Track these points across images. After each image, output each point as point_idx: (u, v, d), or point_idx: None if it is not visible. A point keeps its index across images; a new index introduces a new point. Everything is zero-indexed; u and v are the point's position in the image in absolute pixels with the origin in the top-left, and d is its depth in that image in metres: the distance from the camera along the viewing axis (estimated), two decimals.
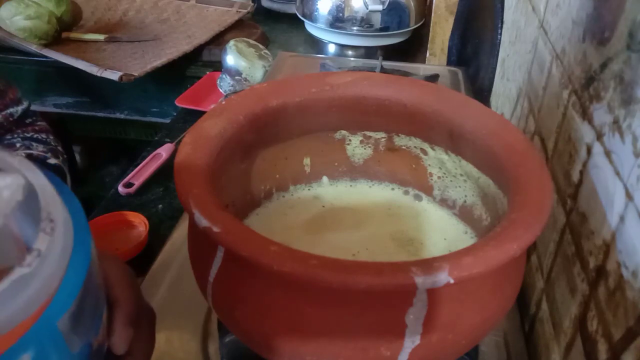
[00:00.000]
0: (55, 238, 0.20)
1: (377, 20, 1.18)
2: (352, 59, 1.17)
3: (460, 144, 0.45)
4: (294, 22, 1.31)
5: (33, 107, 0.65)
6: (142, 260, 0.64)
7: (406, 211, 0.50)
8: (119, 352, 0.30)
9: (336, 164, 0.52)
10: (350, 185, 0.52)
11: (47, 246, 0.20)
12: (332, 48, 1.24)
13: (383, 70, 0.88)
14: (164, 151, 0.87)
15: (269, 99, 0.45)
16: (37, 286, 0.19)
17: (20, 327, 0.19)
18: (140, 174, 0.82)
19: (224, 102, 0.43)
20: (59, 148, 0.62)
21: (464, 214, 0.48)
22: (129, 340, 0.30)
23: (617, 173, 0.35)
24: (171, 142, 0.90)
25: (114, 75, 0.97)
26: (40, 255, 0.19)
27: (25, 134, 0.61)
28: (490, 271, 0.30)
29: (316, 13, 1.20)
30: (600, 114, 0.38)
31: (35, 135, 0.61)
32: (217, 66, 1.09)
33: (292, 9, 1.34)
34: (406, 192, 0.52)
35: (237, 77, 1.01)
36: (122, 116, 1.17)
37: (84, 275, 0.22)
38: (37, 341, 0.20)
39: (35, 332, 0.20)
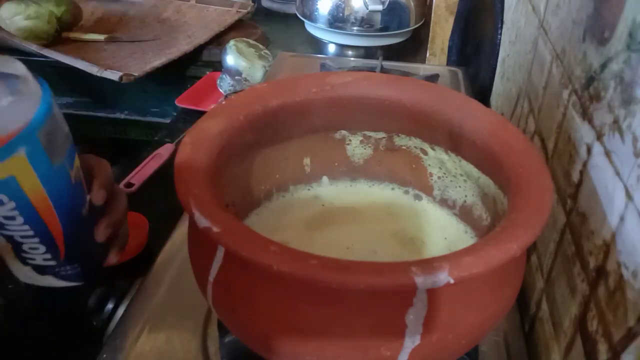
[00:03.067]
0: (31, 87, 0.35)
1: (377, 20, 1.18)
2: (352, 59, 1.17)
3: (460, 144, 0.45)
4: (294, 22, 1.31)
5: None
6: (142, 260, 0.64)
7: (406, 211, 0.50)
8: (97, 203, 0.41)
9: (336, 164, 0.52)
10: (350, 185, 0.52)
11: (26, 90, 0.34)
12: (332, 48, 1.24)
13: (383, 70, 0.88)
14: (164, 151, 0.87)
15: (269, 99, 0.45)
16: (21, 107, 0.33)
17: (14, 131, 0.33)
18: (140, 174, 0.82)
19: (224, 102, 0.43)
20: None
21: (464, 213, 0.48)
22: (104, 197, 0.41)
23: (617, 173, 0.35)
24: (171, 142, 0.90)
25: (114, 75, 0.97)
26: (23, 94, 0.34)
27: None
28: (490, 271, 0.30)
29: (316, 13, 1.21)
30: (600, 114, 0.38)
31: None
32: (217, 66, 1.09)
33: (292, 9, 1.34)
34: (406, 192, 0.52)
35: (237, 77, 1.01)
36: (122, 116, 1.17)
37: (49, 109, 0.35)
38: (26, 142, 0.33)
39: (24, 136, 0.33)
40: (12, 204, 0.35)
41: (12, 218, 0.36)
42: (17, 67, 0.35)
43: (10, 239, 0.38)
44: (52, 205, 0.37)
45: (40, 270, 0.40)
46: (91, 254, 0.43)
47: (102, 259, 0.44)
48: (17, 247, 0.39)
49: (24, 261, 0.40)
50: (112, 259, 0.44)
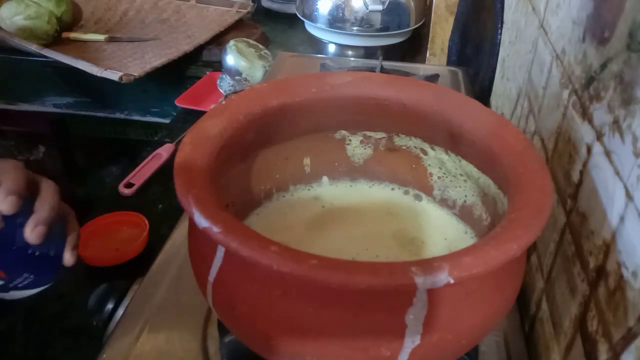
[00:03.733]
0: None
1: (377, 20, 1.18)
2: (352, 59, 1.17)
3: (460, 144, 0.45)
4: (294, 22, 1.31)
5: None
6: (142, 260, 0.64)
7: (406, 211, 0.50)
8: (7, 212, 0.38)
9: (336, 164, 0.52)
10: (350, 185, 0.52)
11: None
12: (332, 48, 1.24)
13: (383, 70, 0.88)
14: (164, 151, 0.87)
15: (269, 99, 0.45)
16: None
17: None
18: (140, 174, 0.82)
19: (224, 102, 0.43)
20: None
21: (464, 214, 0.48)
22: (12, 204, 0.38)
23: (617, 173, 0.35)
24: (171, 142, 0.90)
25: (114, 75, 0.97)
26: None
27: None
28: (490, 271, 0.30)
29: (316, 13, 1.20)
30: (600, 114, 0.38)
31: None
32: (217, 66, 1.09)
33: (292, 9, 1.34)
34: (406, 192, 0.52)
35: (237, 77, 1.01)
36: (122, 116, 1.17)
37: None
38: None
39: None
40: None
41: None
42: None
43: None
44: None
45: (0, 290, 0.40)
46: (34, 259, 0.41)
47: (55, 258, 0.42)
48: None
49: None
50: (69, 258, 0.43)
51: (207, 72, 1.11)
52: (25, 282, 0.41)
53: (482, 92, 0.89)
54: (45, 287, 0.42)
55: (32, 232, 0.39)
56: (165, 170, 0.84)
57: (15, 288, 0.41)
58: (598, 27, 0.41)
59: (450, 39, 1.11)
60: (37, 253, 0.40)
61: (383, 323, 0.31)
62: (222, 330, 0.45)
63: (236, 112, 0.43)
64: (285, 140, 0.49)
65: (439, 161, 0.49)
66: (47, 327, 0.56)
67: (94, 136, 1.26)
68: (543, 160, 0.38)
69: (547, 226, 0.33)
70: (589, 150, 0.40)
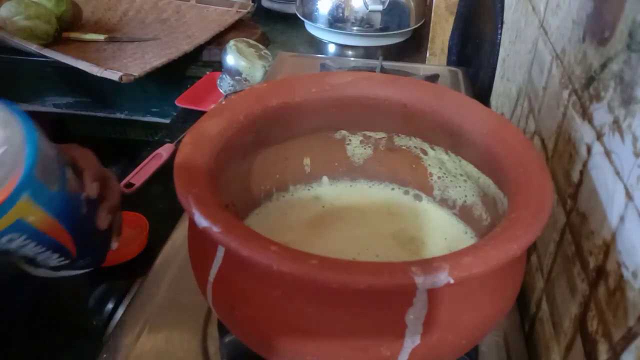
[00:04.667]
0: (15, 129, 0.35)
1: (377, 20, 1.18)
2: (352, 59, 1.17)
3: (460, 144, 0.45)
4: (294, 22, 1.31)
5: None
6: (142, 260, 0.64)
7: (406, 211, 0.50)
8: (93, 196, 0.42)
9: (336, 164, 0.52)
10: (350, 185, 0.52)
11: (10, 141, 0.34)
12: (332, 48, 1.24)
13: (383, 70, 0.88)
14: (164, 151, 0.87)
15: (269, 99, 0.45)
16: (12, 154, 0.34)
17: (13, 180, 0.34)
18: (140, 174, 0.82)
19: (224, 102, 0.43)
20: None
21: (464, 214, 0.48)
22: (97, 188, 0.43)
23: (617, 173, 0.35)
24: (171, 142, 0.90)
25: (114, 75, 0.97)
26: (6, 143, 0.34)
27: None
28: (490, 271, 0.30)
29: (316, 13, 1.20)
30: (600, 114, 0.38)
31: None
32: (217, 66, 1.09)
33: (292, 9, 1.34)
34: (406, 192, 0.52)
35: (237, 77, 1.01)
36: (122, 116, 1.17)
37: (37, 145, 0.36)
38: (26, 186, 0.35)
39: (23, 182, 0.34)
40: (23, 237, 0.37)
41: (25, 245, 0.38)
42: None
43: (23, 256, 0.40)
44: (59, 223, 0.39)
45: (55, 269, 0.43)
46: (97, 242, 0.45)
47: (107, 243, 0.47)
48: (30, 260, 0.41)
49: (38, 266, 0.42)
50: (114, 243, 0.47)
51: (207, 72, 1.11)
52: (82, 264, 0.44)
53: (482, 92, 0.89)
54: (89, 270, 0.46)
55: (104, 218, 0.43)
56: (165, 170, 0.84)
57: (72, 268, 0.44)
58: (598, 27, 0.41)
59: (450, 39, 1.11)
60: (97, 238, 0.44)
61: (383, 323, 0.31)
62: (222, 330, 0.45)
63: (236, 112, 0.43)
64: (285, 140, 0.49)
65: (439, 161, 0.49)
66: (47, 327, 0.56)
67: (94, 136, 1.26)
68: (543, 160, 0.38)
69: (547, 226, 0.33)
70: (589, 150, 0.40)
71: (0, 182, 0.34)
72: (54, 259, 0.42)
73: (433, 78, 0.90)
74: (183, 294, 0.50)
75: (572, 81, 0.46)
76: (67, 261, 0.42)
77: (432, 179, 0.50)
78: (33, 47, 1.05)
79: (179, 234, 0.57)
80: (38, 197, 0.37)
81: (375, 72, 0.84)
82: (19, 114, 0.36)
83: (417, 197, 0.51)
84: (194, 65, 1.14)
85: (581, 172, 0.41)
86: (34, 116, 0.37)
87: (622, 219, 0.34)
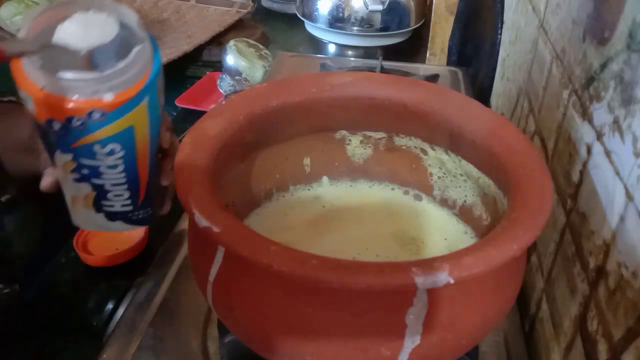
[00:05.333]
0: (144, 35, 0.35)
1: (377, 20, 1.18)
2: (352, 59, 1.17)
3: (460, 144, 0.45)
4: (294, 22, 1.31)
5: None
6: (142, 260, 0.64)
7: (406, 211, 0.50)
8: (165, 146, 0.43)
9: (336, 164, 0.52)
10: (350, 185, 0.52)
11: (146, 41, 0.35)
12: (332, 48, 1.24)
13: (383, 70, 0.88)
14: None
15: (269, 99, 0.45)
16: (143, 57, 0.34)
17: (141, 81, 0.34)
18: None
19: (224, 102, 0.43)
20: None
21: (464, 214, 0.48)
22: (170, 139, 0.43)
23: (617, 173, 0.35)
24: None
25: None
26: (143, 42, 0.34)
27: None
28: (490, 271, 0.30)
29: (316, 13, 1.20)
30: (600, 114, 0.38)
31: None
32: (217, 66, 1.09)
33: (292, 9, 1.34)
34: (406, 192, 0.52)
35: (237, 77, 1.01)
36: None
37: (160, 61, 0.36)
38: (149, 91, 0.35)
39: (148, 86, 0.35)
40: (122, 153, 0.36)
41: (115, 167, 0.37)
42: (129, 13, 0.35)
43: (98, 187, 0.39)
44: (149, 150, 0.39)
45: (112, 216, 0.41)
46: (157, 198, 0.44)
47: (161, 204, 0.46)
48: (100, 195, 0.39)
49: (99, 209, 0.41)
50: (166, 207, 0.46)
51: (207, 72, 1.11)
52: (139, 217, 0.43)
53: (482, 92, 0.89)
54: (140, 227, 0.45)
55: (168, 173, 0.43)
56: None
57: (128, 220, 0.42)
58: (598, 27, 0.41)
59: (450, 39, 1.11)
60: (156, 194, 0.43)
61: (383, 323, 0.31)
62: (222, 330, 0.45)
63: (236, 112, 0.43)
64: (285, 140, 0.49)
65: (439, 161, 0.49)
66: (47, 327, 0.56)
67: None
68: (543, 160, 0.38)
69: (547, 226, 0.33)
70: (589, 150, 0.40)
71: (134, 77, 0.34)
72: (122, 200, 0.40)
73: (433, 78, 0.90)
74: (183, 294, 0.50)
75: (572, 81, 0.46)
76: (130, 207, 0.41)
77: (432, 179, 0.50)
78: None
79: (179, 234, 0.57)
80: (151, 108, 0.36)
81: (375, 72, 0.84)
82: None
83: (417, 197, 0.51)
84: (194, 65, 1.14)
85: (581, 172, 0.41)
86: None
87: (622, 219, 0.34)
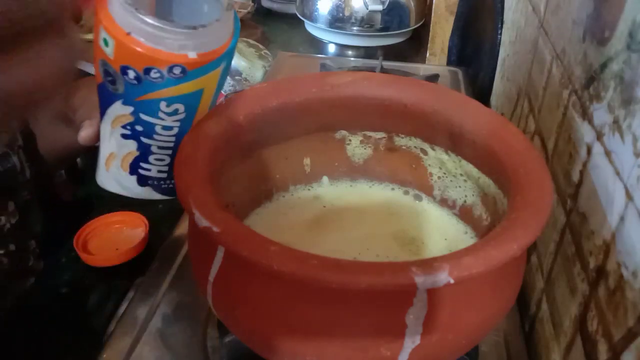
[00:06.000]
0: (231, 7, 0.35)
1: (377, 20, 1.18)
2: (352, 59, 1.17)
3: (461, 144, 0.45)
4: (294, 22, 1.31)
5: None
6: (142, 260, 0.64)
7: (406, 211, 0.50)
8: None
9: (336, 164, 0.52)
10: (350, 185, 0.52)
11: (223, 3, 0.34)
12: (332, 48, 1.24)
13: (383, 70, 0.88)
14: None
15: (269, 99, 0.45)
16: (226, 21, 0.34)
17: (224, 45, 0.34)
18: None
19: (224, 102, 0.43)
20: None
21: (464, 214, 0.48)
22: None
23: (617, 173, 0.35)
24: None
25: None
26: (230, 9, 0.34)
27: None
28: (491, 271, 0.30)
29: (316, 13, 1.20)
30: (600, 114, 0.38)
31: None
32: None
33: (292, 9, 1.34)
34: (406, 192, 0.52)
35: (237, 77, 1.01)
36: None
37: (239, 31, 0.36)
38: (227, 57, 0.35)
39: (228, 51, 0.35)
40: (183, 115, 0.36)
41: (170, 128, 0.37)
42: None
43: (145, 147, 0.38)
44: (201, 117, 0.38)
45: (144, 181, 0.40)
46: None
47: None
48: (143, 157, 0.38)
49: (134, 171, 0.40)
50: None
51: None
52: (169, 186, 0.42)
53: (482, 92, 0.89)
54: (167, 198, 0.43)
55: None
56: None
57: (157, 188, 0.41)
58: (598, 27, 0.41)
59: (450, 39, 1.11)
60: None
61: (383, 323, 0.31)
62: (222, 330, 0.45)
63: (236, 112, 0.43)
64: (285, 140, 0.49)
65: (439, 161, 0.49)
66: (47, 327, 0.56)
67: None
68: (543, 160, 0.38)
69: (547, 226, 0.33)
70: (589, 150, 0.40)
71: (218, 40, 0.34)
72: (161, 165, 0.39)
73: (433, 78, 0.90)
74: (183, 294, 0.50)
75: (572, 81, 0.46)
76: (165, 174, 0.40)
77: (432, 179, 0.50)
78: None
79: (179, 234, 0.57)
80: (223, 75, 0.36)
81: (375, 72, 0.84)
82: None
83: (417, 197, 0.51)
84: None
85: (581, 172, 0.41)
86: None
87: (622, 219, 0.34)
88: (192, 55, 0.32)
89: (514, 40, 0.74)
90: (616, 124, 0.35)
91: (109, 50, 0.32)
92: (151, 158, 0.39)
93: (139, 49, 0.32)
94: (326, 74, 0.50)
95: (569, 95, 0.46)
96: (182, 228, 0.59)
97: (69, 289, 0.60)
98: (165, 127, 0.37)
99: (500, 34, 0.84)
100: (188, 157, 0.37)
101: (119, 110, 0.35)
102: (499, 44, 0.84)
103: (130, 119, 0.36)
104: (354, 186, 0.52)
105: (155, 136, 0.37)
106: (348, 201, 0.51)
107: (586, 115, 0.41)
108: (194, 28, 0.32)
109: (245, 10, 1.31)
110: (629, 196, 0.33)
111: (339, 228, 0.48)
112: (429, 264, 0.29)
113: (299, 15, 1.26)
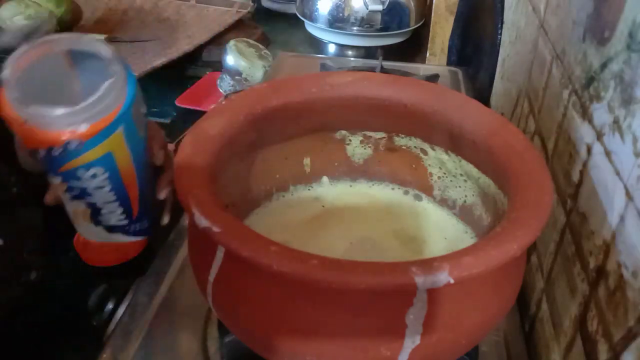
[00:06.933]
0: (120, 71, 0.37)
1: (377, 20, 1.18)
2: (352, 59, 1.17)
3: (461, 144, 0.45)
4: (294, 22, 1.31)
5: None
6: (142, 260, 0.64)
7: (406, 211, 0.50)
8: (158, 163, 0.45)
9: (336, 164, 0.52)
10: (350, 185, 0.52)
11: (118, 74, 0.37)
12: (332, 48, 1.24)
13: (383, 70, 0.88)
14: None
15: (269, 99, 0.45)
16: (117, 87, 0.37)
17: (115, 110, 0.36)
18: None
19: (224, 102, 0.43)
20: None
21: (464, 214, 0.48)
22: (163, 157, 0.45)
23: (617, 173, 0.35)
24: (171, 142, 0.90)
25: None
26: (116, 74, 0.37)
27: None
28: (490, 271, 0.30)
29: (316, 13, 1.20)
30: (600, 114, 0.38)
31: None
32: (217, 66, 1.09)
33: (292, 9, 1.34)
34: (406, 192, 0.52)
35: (237, 77, 1.01)
36: None
37: (134, 92, 0.38)
38: (124, 120, 0.37)
39: (122, 114, 0.37)
40: (105, 175, 0.39)
41: (102, 187, 0.40)
42: (105, 48, 0.38)
43: (91, 205, 0.42)
44: (135, 172, 0.41)
45: (111, 229, 0.45)
46: (153, 210, 0.47)
47: (160, 216, 0.48)
48: (95, 212, 0.42)
49: (97, 223, 0.44)
50: (166, 218, 0.48)
51: (207, 72, 1.11)
52: (137, 229, 0.46)
53: (482, 92, 0.89)
54: (140, 239, 0.48)
55: (164, 188, 0.44)
56: None
57: (127, 232, 0.45)
58: (598, 27, 0.41)
59: (450, 39, 1.11)
60: (153, 207, 0.46)
61: (383, 323, 0.31)
62: (222, 330, 0.45)
63: (236, 112, 0.43)
64: (285, 140, 0.49)
65: (439, 161, 0.49)
66: (47, 327, 0.56)
67: None
68: (543, 160, 0.38)
69: (547, 226, 0.33)
70: (589, 150, 0.40)
71: (106, 108, 0.36)
72: (116, 215, 0.43)
73: (433, 78, 0.90)
74: (183, 294, 0.50)
75: (572, 81, 0.46)
76: (126, 221, 0.44)
77: (432, 179, 0.50)
78: None
79: (179, 234, 0.57)
80: (129, 135, 0.39)
81: (375, 72, 0.84)
82: (119, 57, 0.39)
83: (417, 197, 0.51)
84: (194, 65, 1.14)
85: (581, 172, 0.41)
86: None
87: (622, 219, 0.34)
88: (82, 128, 0.36)
89: (514, 40, 0.74)
90: (616, 124, 0.35)
91: (18, 137, 0.38)
92: (103, 212, 0.43)
93: (37, 135, 0.36)
94: (326, 74, 0.50)
95: (569, 95, 0.46)
96: (182, 228, 0.59)
97: (69, 289, 0.60)
98: (96, 188, 0.40)
99: (500, 34, 0.84)
100: (188, 157, 0.37)
101: (53, 180, 0.40)
102: (499, 44, 0.84)
103: (64, 185, 0.40)
104: (354, 186, 0.52)
105: (93, 196, 0.41)
106: (348, 201, 0.51)
107: (586, 115, 0.41)
108: (77, 106, 0.35)
109: (245, 10, 1.31)
110: (629, 196, 0.33)
111: (338, 228, 0.48)
112: (429, 264, 0.29)
113: (299, 15, 1.26)
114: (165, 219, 0.49)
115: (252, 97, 0.44)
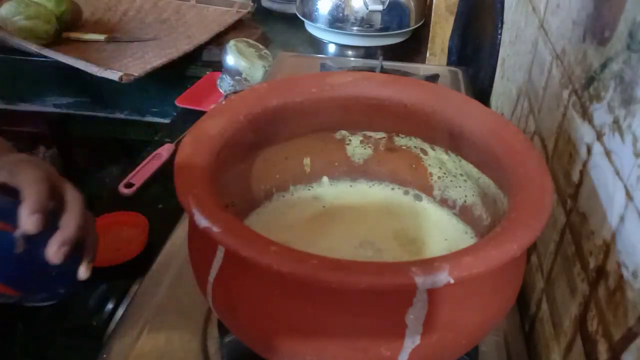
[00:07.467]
0: None
1: (377, 20, 1.18)
2: (352, 59, 1.17)
3: (461, 144, 0.45)
4: (294, 22, 1.31)
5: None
6: (142, 260, 0.64)
7: (406, 211, 0.50)
8: (30, 231, 0.36)
9: (336, 164, 0.52)
10: (350, 185, 0.52)
11: None
12: (332, 48, 1.24)
13: (383, 70, 0.88)
14: (164, 151, 0.87)
15: (269, 99, 0.45)
16: None
17: None
18: (140, 174, 0.82)
19: (224, 102, 0.43)
20: None
21: (464, 214, 0.48)
22: (36, 222, 0.36)
23: (617, 173, 0.35)
24: (171, 142, 0.90)
25: (114, 75, 0.97)
26: None
27: None
28: (490, 271, 0.30)
29: (316, 13, 1.21)
30: (600, 114, 0.38)
31: None
32: (217, 66, 1.09)
33: (292, 9, 1.34)
34: (406, 192, 0.52)
35: (237, 77, 1.01)
36: (122, 116, 1.17)
37: None
38: None
39: None
40: None
41: None
42: None
43: None
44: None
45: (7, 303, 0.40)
46: (54, 276, 0.39)
47: (72, 273, 0.40)
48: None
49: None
50: (83, 272, 0.40)
51: (207, 72, 1.11)
52: (40, 298, 0.40)
53: (482, 92, 0.89)
54: (50, 303, 0.41)
55: (56, 253, 0.37)
56: (165, 170, 0.84)
57: (26, 301, 0.40)
58: (598, 27, 0.41)
59: (450, 39, 1.11)
60: (54, 273, 0.38)
61: (383, 323, 0.31)
62: (222, 330, 0.45)
63: (236, 112, 0.43)
64: (285, 140, 0.49)
65: (439, 161, 0.49)
66: (47, 327, 0.56)
67: (94, 136, 1.26)
68: (543, 160, 0.38)
69: (547, 226, 0.33)
70: (589, 150, 0.40)
71: None
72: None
73: (433, 78, 0.90)
74: (183, 294, 0.50)
75: (572, 81, 0.46)
76: (13, 300, 0.38)
77: (432, 179, 0.50)
78: (33, 47, 1.05)
79: (179, 234, 0.57)
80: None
81: (375, 72, 0.84)
82: None
83: (417, 197, 0.51)
84: (194, 65, 1.14)
85: (581, 172, 0.41)
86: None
87: (622, 219, 0.34)
88: None
89: (514, 40, 0.74)
90: (616, 124, 0.35)
91: None
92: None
93: None
94: (326, 74, 0.50)
95: (569, 96, 0.46)
96: (182, 228, 0.59)
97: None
98: None
99: (500, 34, 0.84)
100: (188, 157, 0.37)
101: None
102: (499, 44, 0.84)
103: None
104: (354, 186, 0.52)
105: None
106: (348, 201, 0.51)
107: (586, 115, 0.41)
108: None
109: (245, 10, 1.31)
110: (629, 196, 0.33)
111: (338, 228, 0.48)
112: (429, 264, 0.29)
113: (299, 15, 1.26)
114: (82, 273, 0.40)
115: (252, 97, 0.44)
